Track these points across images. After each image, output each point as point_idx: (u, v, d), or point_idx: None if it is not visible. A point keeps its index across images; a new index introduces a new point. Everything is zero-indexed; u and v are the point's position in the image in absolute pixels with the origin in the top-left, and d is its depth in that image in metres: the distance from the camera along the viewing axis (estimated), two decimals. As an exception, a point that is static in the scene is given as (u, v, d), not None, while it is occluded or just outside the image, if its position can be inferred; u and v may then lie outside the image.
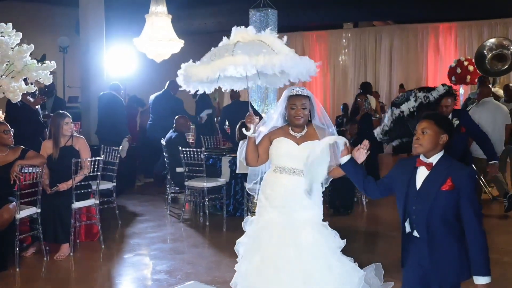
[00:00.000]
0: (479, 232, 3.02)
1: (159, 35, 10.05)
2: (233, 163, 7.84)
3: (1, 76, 6.36)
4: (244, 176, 7.43)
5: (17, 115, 7.64)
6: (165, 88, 10.38)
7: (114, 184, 7.27)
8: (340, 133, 4.78)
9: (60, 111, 6.45)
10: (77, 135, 6.30)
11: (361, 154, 3.57)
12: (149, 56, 10.32)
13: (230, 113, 9.70)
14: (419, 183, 3.19)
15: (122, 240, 6.67)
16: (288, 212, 3.92)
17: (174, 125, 8.13)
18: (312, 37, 18.84)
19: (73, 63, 12.18)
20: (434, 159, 3.17)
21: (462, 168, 3.13)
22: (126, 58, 12.30)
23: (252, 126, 3.92)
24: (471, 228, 3.03)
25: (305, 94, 3.91)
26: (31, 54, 6.28)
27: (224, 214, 7.63)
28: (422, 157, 3.21)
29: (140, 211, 8.25)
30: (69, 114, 6.24)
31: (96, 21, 10.16)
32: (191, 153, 7.43)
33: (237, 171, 7.59)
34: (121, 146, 7.71)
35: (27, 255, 5.87)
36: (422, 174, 3.19)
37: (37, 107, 8.03)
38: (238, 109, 10.24)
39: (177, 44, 10.20)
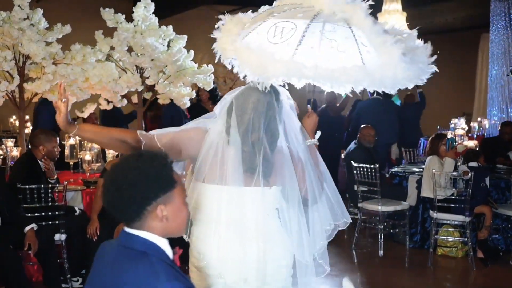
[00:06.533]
0: None
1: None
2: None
3: (158, 81, 6.10)
4: (430, 201, 6.02)
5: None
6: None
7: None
8: None
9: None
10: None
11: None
12: (380, 57, 9.45)
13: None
14: None
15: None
16: None
17: (358, 135, 7.03)
18: None
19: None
20: None
21: None
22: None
23: None
24: None
25: None
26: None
27: (406, 245, 6.27)
28: None
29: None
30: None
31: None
32: (365, 169, 6.25)
33: (421, 194, 6.19)
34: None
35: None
36: None
37: None
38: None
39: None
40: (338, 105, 9.07)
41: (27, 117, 9.32)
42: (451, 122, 11.45)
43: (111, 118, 7.52)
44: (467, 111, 14.67)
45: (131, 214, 1.80)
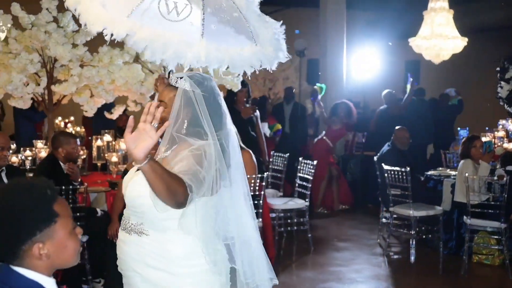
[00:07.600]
0: None
1: (439, 33, 8.97)
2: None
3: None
4: (464, 206, 5.75)
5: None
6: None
7: (307, 203, 6.40)
8: None
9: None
10: (245, 148, 5.55)
11: None
12: (426, 57, 9.38)
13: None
14: None
15: (297, 272, 5.72)
16: None
17: (392, 137, 6.82)
18: None
19: (311, 67, 11.74)
20: None
21: None
22: (369, 61, 11.23)
23: None
24: None
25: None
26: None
27: (440, 252, 6.02)
28: None
29: (348, 236, 7.12)
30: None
31: (337, 21, 9.36)
32: (397, 173, 6.04)
33: (454, 199, 5.94)
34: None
35: None
36: None
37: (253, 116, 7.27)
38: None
39: (459, 43, 9.06)
40: (402, 103, 8.92)
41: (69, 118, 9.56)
42: (499, 123, 11.01)
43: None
44: (521, 113, 14.08)
45: (5, 254, 1.60)
